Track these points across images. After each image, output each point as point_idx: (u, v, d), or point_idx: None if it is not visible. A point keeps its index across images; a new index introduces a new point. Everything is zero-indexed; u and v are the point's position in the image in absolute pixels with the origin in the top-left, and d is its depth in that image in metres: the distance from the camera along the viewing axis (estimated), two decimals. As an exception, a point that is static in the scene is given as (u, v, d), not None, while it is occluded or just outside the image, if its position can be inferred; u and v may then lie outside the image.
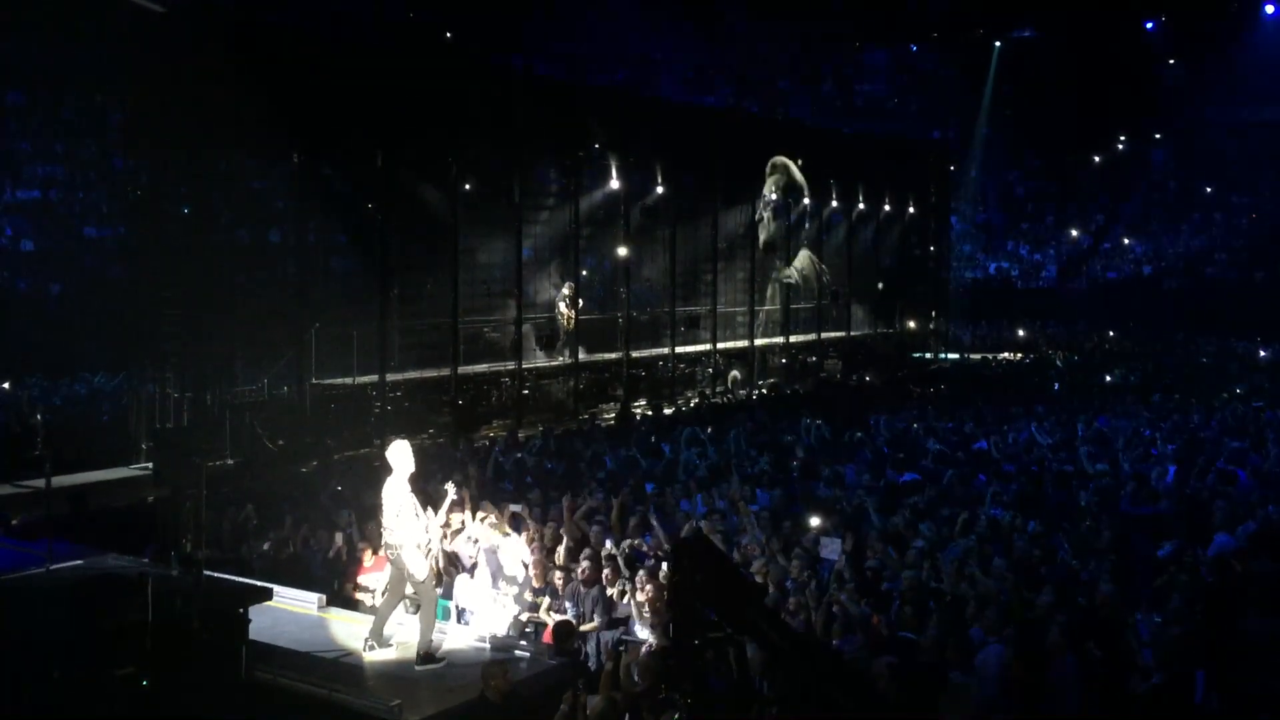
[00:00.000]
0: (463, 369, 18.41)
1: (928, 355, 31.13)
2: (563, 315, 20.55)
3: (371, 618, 8.42)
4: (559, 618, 8.87)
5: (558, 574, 9.58)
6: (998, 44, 45.82)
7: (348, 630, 8.55)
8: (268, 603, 8.08)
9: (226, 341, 15.42)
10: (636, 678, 7.39)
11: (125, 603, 6.66)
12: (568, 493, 11.82)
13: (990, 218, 48.33)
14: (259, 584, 8.48)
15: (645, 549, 9.96)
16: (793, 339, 26.22)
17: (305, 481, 13.44)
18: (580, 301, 20.72)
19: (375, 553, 9.62)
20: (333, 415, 16.44)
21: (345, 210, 18.73)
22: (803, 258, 26.03)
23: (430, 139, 18.11)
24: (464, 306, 18.56)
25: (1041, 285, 43.41)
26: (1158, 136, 47.51)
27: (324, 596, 9.17)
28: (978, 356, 30.68)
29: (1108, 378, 23.90)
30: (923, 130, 43.24)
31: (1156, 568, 9.10)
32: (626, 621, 8.86)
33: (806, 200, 25.77)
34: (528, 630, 9.28)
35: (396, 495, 8.14)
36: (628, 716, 7.11)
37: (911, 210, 31.71)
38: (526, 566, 9.76)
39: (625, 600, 9.00)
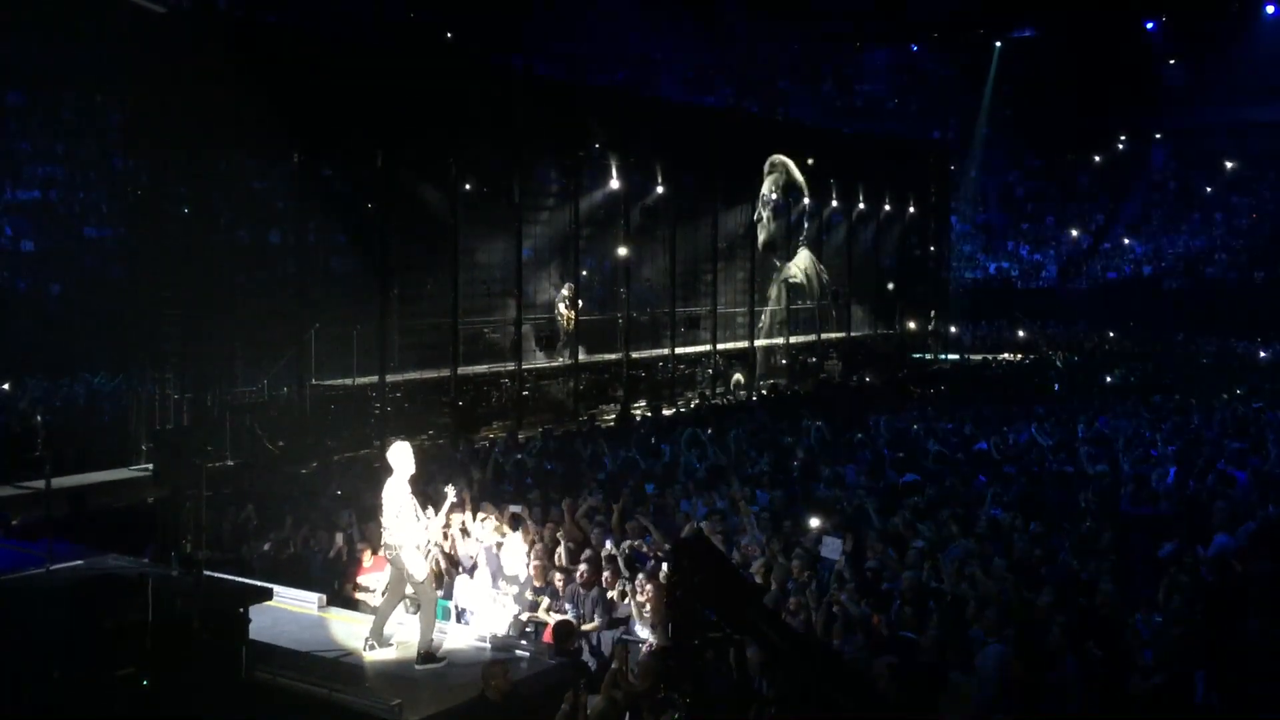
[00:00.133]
0: (463, 370, 18.41)
1: (928, 356, 31.12)
2: (562, 316, 20.55)
3: (371, 618, 8.42)
4: (559, 617, 8.87)
5: (558, 574, 9.58)
6: (998, 44, 45.83)
7: (348, 630, 8.55)
8: (268, 603, 8.09)
9: (226, 342, 15.41)
10: (636, 678, 7.39)
11: (125, 603, 6.67)
12: (568, 494, 11.83)
13: (990, 218, 48.33)
14: (259, 584, 8.49)
15: (645, 550, 9.97)
16: (793, 339, 26.20)
17: (305, 482, 13.45)
18: (580, 302, 20.72)
19: (375, 553, 9.62)
20: (333, 416, 16.44)
21: (345, 210, 18.73)
22: (803, 257, 26.01)
23: (430, 139, 18.11)
24: (464, 307, 18.56)
25: (1041, 285, 43.41)
26: (1158, 136, 47.52)
27: (324, 596, 9.18)
28: (978, 357, 30.67)
29: (1108, 378, 23.90)
30: (923, 130, 43.26)
31: (1156, 568, 9.09)
32: (626, 621, 8.87)
33: (806, 200, 25.75)
34: (528, 630, 9.29)
35: (396, 496, 8.14)
36: (628, 716, 7.11)
37: (912, 210, 31.71)
38: (526, 566, 9.77)
39: (625, 601, 9.00)
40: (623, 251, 21.65)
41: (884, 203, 30.02)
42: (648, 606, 8.48)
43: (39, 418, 8.67)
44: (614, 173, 21.12)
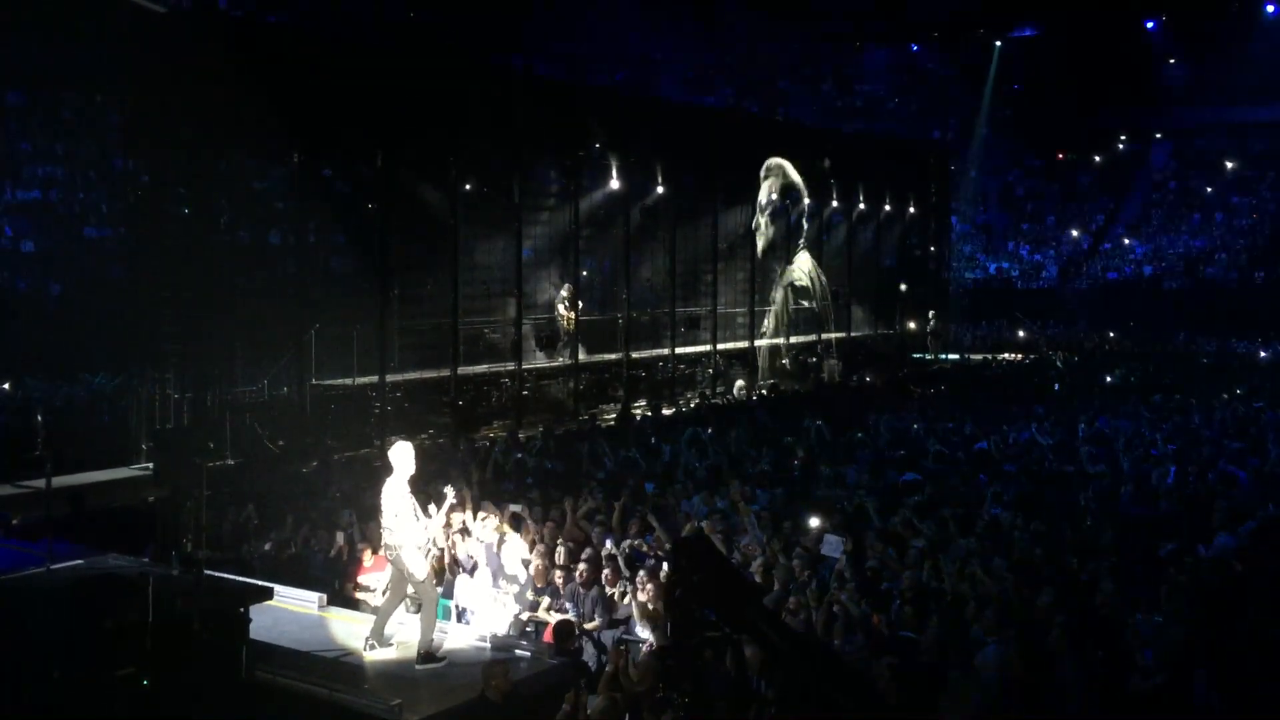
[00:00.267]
0: (463, 369, 18.41)
1: (928, 356, 31.12)
2: (562, 316, 20.55)
3: (372, 617, 8.42)
4: (559, 617, 8.88)
5: (558, 574, 9.59)
6: (998, 44, 45.85)
7: (348, 630, 8.55)
8: (268, 602, 8.09)
9: (226, 342, 15.41)
10: (637, 678, 7.40)
11: (126, 603, 6.67)
12: (568, 493, 11.84)
13: (990, 218, 48.34)
14: (259, 584, 8.49)
15: (645, 549, 9.97)
16: (794, 339, 26.18)
17: (305, 482, 13.44)
18: (580, 302, 20.72)
19: (376, 553, 9.62)
20: (333, 415, 16.44)
21: (345, 210, 18.72)
22: (805, 259, 25.97)
23: (430, 139, 18.10)
24: (464, 307, 18.56)
25: (1042, 286, 43.42)
26: (1158, 136, 47.53)
27: (324, 596, 9.17)
28: (978, 357, 30.67)
29: (1108, 378, 23.90)
30: (923, 130, 43.29)
31: (1157, 568, 9.09)
32: (626, 621, 8.87)
33: (806, 200, 25.72)
34: (528, 630, 9.29)
35: (396, 496, 8.14)
36: (628, 717, 7.11)
37: (912, 210, 31.71)
38: (527, 566, 9.77)
39: (625, 600, 9.00)
40: (623, 252, 21.65)
41: (884, 203, 30.01)
42: (648, 606, 8.49)
43: (39, 417, 8.65)
44: (614, 173, 21.11)
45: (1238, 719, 6.81)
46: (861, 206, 29.11)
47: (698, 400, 22.08)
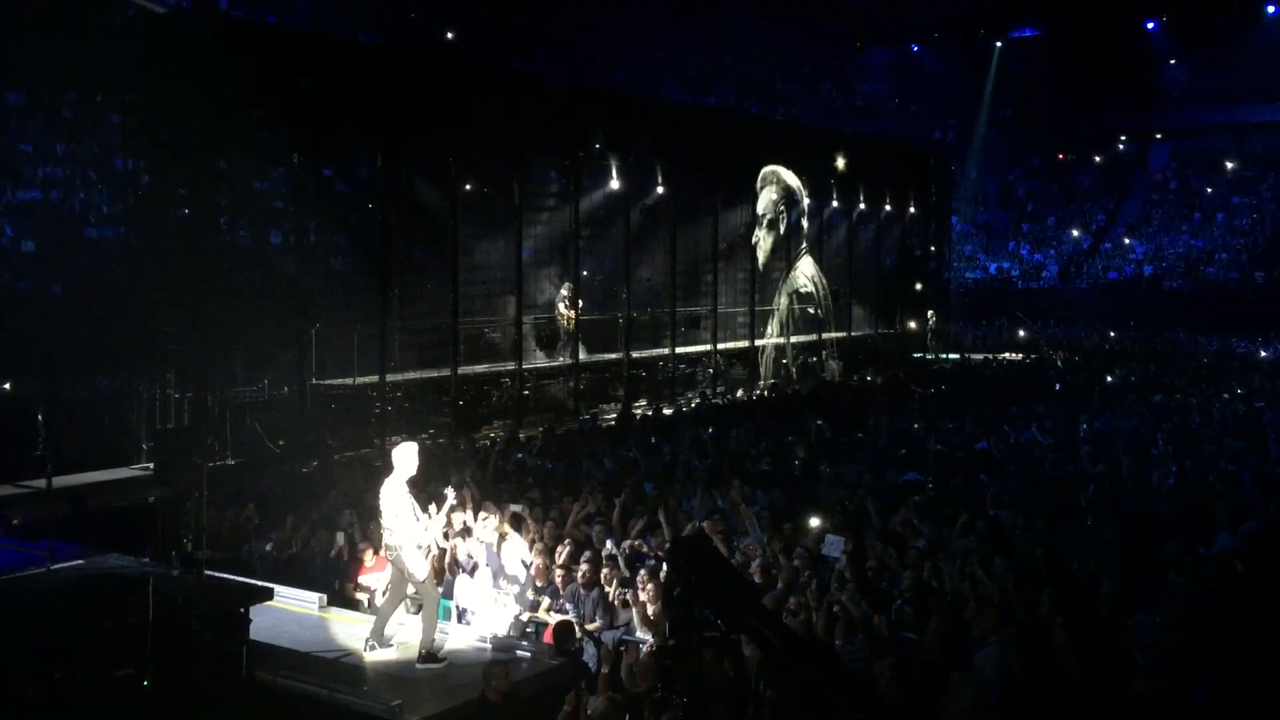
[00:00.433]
0: (463, 369, 18.41)
1: (928, 355, 31.11)
2: (563, 316, 20.55)
3: (372, 618, 8.42)
4: (560, 617, 8.87)
5: (558, 574, 9.58)
6: (998, 44, 45.85)
7: (348, 630, 8.55)
8: (268, 603, 8.08)
9: (227, 341, 15.42)
10: (637, 678, 7.40)
11: (126, 603, 6.66)
12: (569, 493, 11.83)
13: (991, 218, 48.36)
14: (260, 584, 8.48)
15: (646, 549, 9.96)
16: (796, 340, 26.15)
17: (306, 482, 13.44)
18: (580, 302, 20.72)
19: (377, 553, 9.62)
20: (333, 415, 16.45)
21: (346, 210, 18.73)
22: (808, 264, 25.89)
23: (430, 139, 18.11)
24: (464, 307, 18.57)
25: (1042, 285, 43.43)
26: (1158, 136, 47.54)
27: (325, 596, 9.17)
28: (979, 357, 30.68)
29: (1108, 378, 23.90)
30: (923, 130, 43.30)
31: (1158, 568, 9.09)
32: (627, 622, 8.86)
33: (805, 201, 25.68)
34: (528, 630, 9.28)
35: (395, 496, 8.14)
36: (628, 717, 7.11)
37: (912, 210, 31.71)
38: (527, 566, 9.76)
39: (626, 600, 9.00)
40: (623, 252, 21.65)
41: (884, 203, 30.01)
42: (648, 606, 8.48)
43: (39, 417, 8.65)
44: (614, 173, 21.11)
45: None
46: (862, 206, 29.10)
47: (698, 400, 22.08)
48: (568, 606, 9.20)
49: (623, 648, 8.52)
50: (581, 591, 9.24)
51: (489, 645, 8.25)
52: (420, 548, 8.13)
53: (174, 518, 8.26)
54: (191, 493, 8.20)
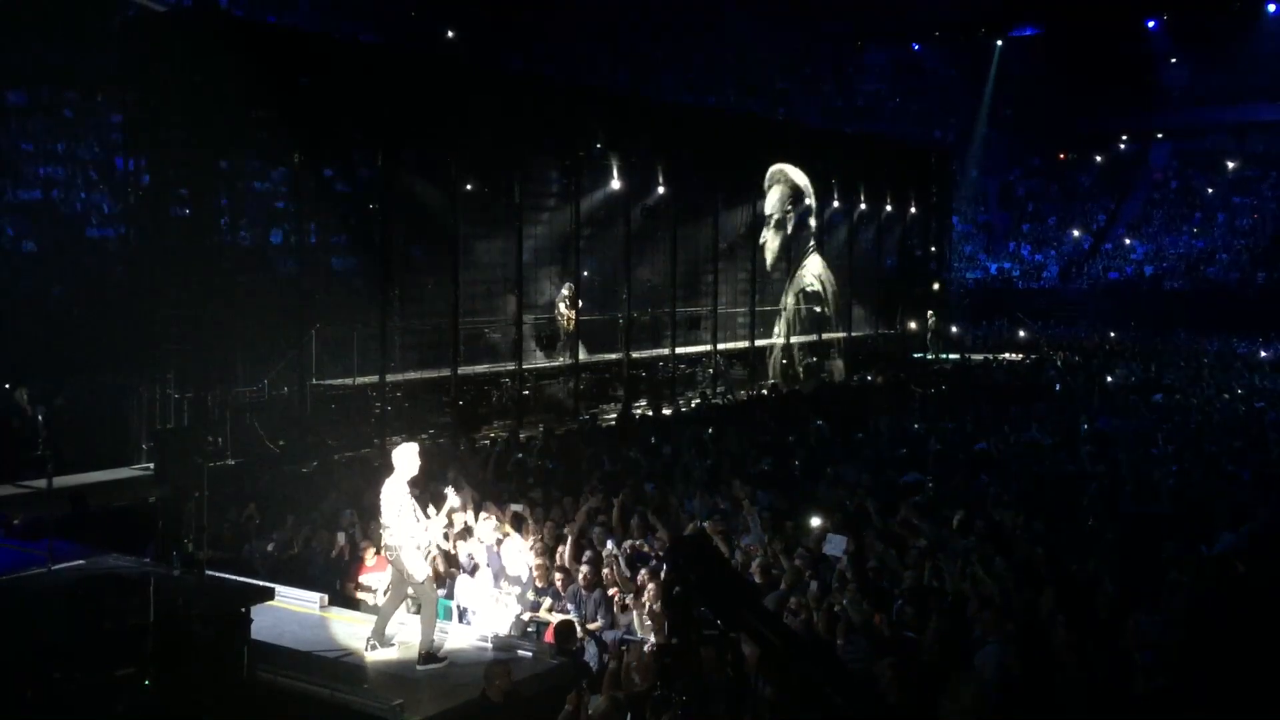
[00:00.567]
0: (463, 369, 18.41)
1: (928, 356, 31.12)
2: (563, 316, 20.55)
3: (373, 618, 8.43)
4: (560, 617, 8.87)
5: (559, 574, 9.59)
6: (999, 43, 45.85)
7: (349, 630, 8.55)
8: (269, 602, 8.09)
9: (227, 341, 15.42)
10: (637, 678, 7.40)
11: (127, 603, 6.67)
12: (569, 493, 11.84)
13: (991, 218, 48.36)
14: (261, 584, 8.49)
15: (647, 549, 9.97)
16: (794, 339, 26.14)
17: (306, 482, 13.45)
18: (580, 302, 20.72)
19: (378, 552, 9.62)
20: (333, 415, 16.45)
21: (346, 210, 18.73)
22: (816, 263, 25.81)
23: (430, 139, 18.11)
24: (464, 307, 18.56)
25: (1043, 285, 43.43)
26: (1159, 136, 47.54)
27: (325, 596, 9.18)
28: (979, 357, 30.70)
29: (1109, 378, 23.91)
30: (923, 130, 43.29)
31: (1158, 568, 9.09)
32: (628, 623, 8.87)
33: (811, 201, 25.62)
34: (529, 630, 9.28)
35: (395, 496, 8.14)
36: (629, 717, 7.11)
37: (913, 210, 31.70)
38: (529, 566, 9.77)
39: (627, 601, 9.00)
40: (623, 252, 21.66)
41: (885, 203, 30.00)
42: (649, 606, 8.49)
43: (40, 417, 8.66)
44: (614, 173, 21.11)
45: None
46: (862, 206, 29.09)
47: (699, 400, 22.08)
48: (569, 606, 9.21)
49: (624, 647, 8.52)
50: (583, 591, 9.25)
51: (490, 645, 8.26)
52: (420, 548, 8.14)
53: (174, 518, 8.26)
54: (192, 493, 8.20)
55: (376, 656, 8.06)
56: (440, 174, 18.52)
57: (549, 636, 8.67)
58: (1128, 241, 44.31)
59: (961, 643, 7.49)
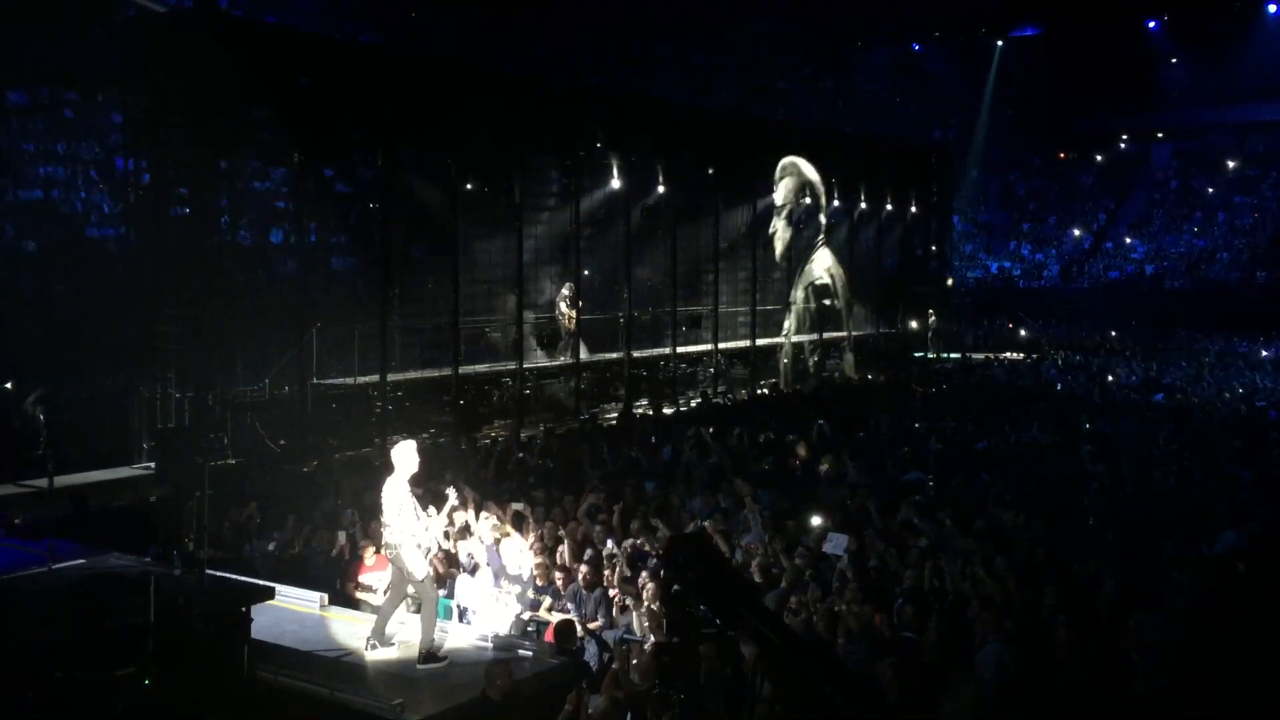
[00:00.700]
0: (464, 369, 18.42)
1: (929, 355, 31.12)
2: (564, 315, 20.55)
3: (373, 617, 8.43)
4: (561, 616, 8.87)
5: (559, 573, 9.59)
6: (999, 43, 45.84)
7: (350, 629, 8.56)
8: (270, 602, 8.09)
9: (228, 341, 15.43)
10: (638, 677, 7.39)
11: (128, 602, 6.67)
12: (570, 492, 11.84)
13: (992, 217, 48.35)
14: (261, 583, 8.49)
15: (648, 548, 9.97)
16: (803, 338, 26.07)
17: (307, 481, 13.46)
18: (581, 302, 20.72)
19: (378, 551, 9.63)
20: (334, 415, 16.45)
21: (346, 210, 18.73)
22: (826, 257, 25.71)
23: (430, 139, 18.12)
24: (465, 306, 18.56)
25: (1044, 285, 43.41)
26: (1159, 136, 47.54)
27: (326, 596, 9.18)
28: (980, 356, 30.71)
29: (1109, 377, 23.91)
30: (923, 130, 43.26)
31: (1159, 568, 9.09)
32: (628, 622, 8.87)
33: (821, 194, 25.53)
34: (529, 629, 9.29)
35: (396, 495, 8.15)
36: (630, 716, 7.11)
37: (913, 210, 31.69)
38: (530, 566, 9.77)
39: (627, 600, 9.01)
40: (624, 251, 21.66)
41: (885, 202, 29.99)
42: (649, 605, 8.48)
43: (41, 416, 8.67)
44: (614, 173, 21.12)
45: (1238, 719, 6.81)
46: (863, 206, 29.09)
47: (699, 400, 22.08)
48: (569, 605, 9.21)
49: (624, 646, 8.52)
50: (583, 591, 9.25)
51: (490, 644, 8.26)
52: (420, 547, 8.14)
53: (175, 517, 8.27)
54: (193, 492, 8.21)
55: (377, 656, 8.06)
56: (440, 174, 18.51)
57: (549, 636, 8.68)
58: (1128, 241, 44.30)
59: (962, 643, 7.49)
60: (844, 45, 46.56)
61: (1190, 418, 17.39)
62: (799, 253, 25.78)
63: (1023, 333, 35.81)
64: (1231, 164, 44.72)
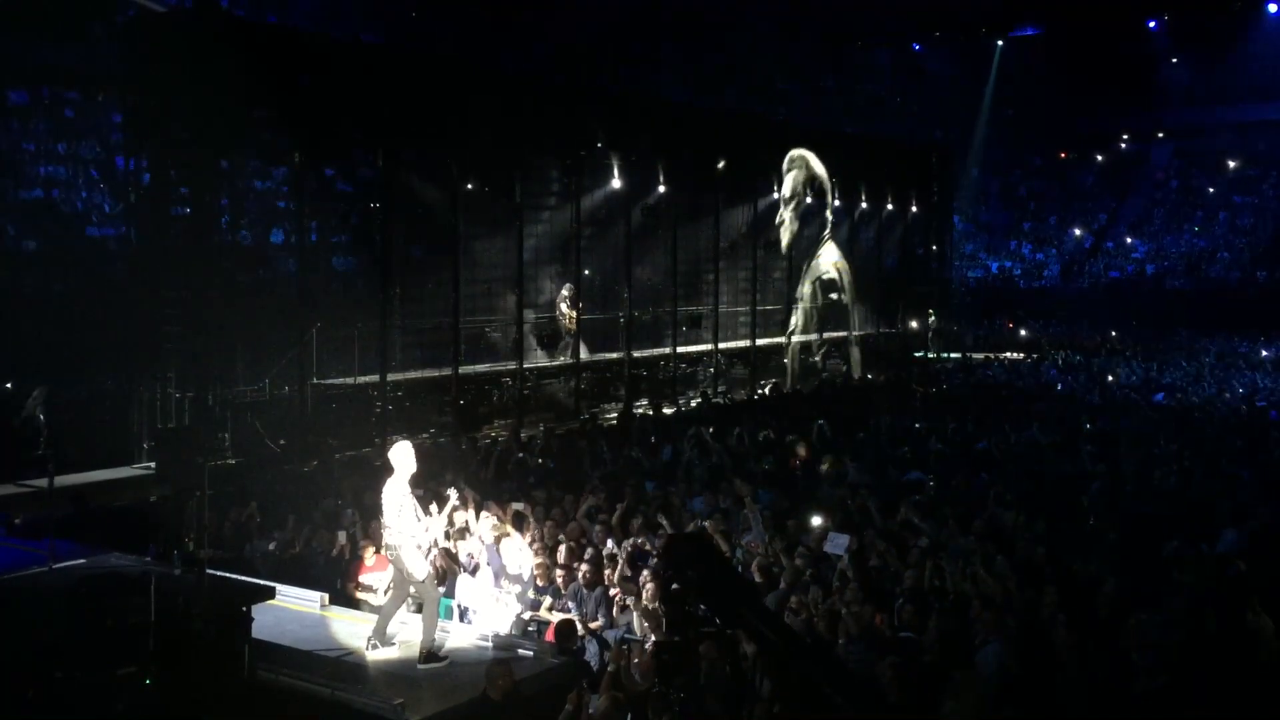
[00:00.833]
0: (464, 369, 18.42)
1: (929, 355, 31.12)
2: (564, 315, 20.55)
3: (374, 617, 8.43)
4: (561, 616, 8.88)
5: (560, 573, 9.59)
6: (999, 43, 45.83)
7: (350, 629, 8.56)
8: (270, 602, 8.10)
9: (228, 341, 15.43)
10: (638, 677, 7.40)
11: (128, 602, 6.68)
12: (570, 492, 11.84)
13: (992, 217, 48.34)
14: (262, 583, 8.50)
15: (648, 548, 9.97)
16: (805, 337, 26.05)
17: (307, 481, 13.46)
18: (581, 302, 20.72)
19: (379, 551, 9.63)
20: (334, 415, 16.44)
21: (346, 210, 18.73)
22: (832, 251, 25.64)
23: (431, 139, 18.11)
24: (465, 306, 18.56)
25: (1044, 285, 43.40)
26: (1160, 136, 47.53)
27: (326, 596, 9.18)
28: (980, 356, 30.70)
29: (1110, 377, 23.91)
30: (923, 130, 43.23)
31: (1159, 568, 9.09)
32: (629, 621, 8.87)
33: (828, 188, 25.48)
34: (530, 629, 9.29)
35: (396, 495, 8.15)
36: (630, 716, 7.11)
37: (914, 210, 31.68)
38: (530, 565, 9.77)
39: (627, 600, 9.00)
40: (624, 251, 21.66)
41: (886, 202, 29.98)
42: (649, 605, 8.48)
43: (41, 416, 8.68)
44: (615, 172, 21.11)
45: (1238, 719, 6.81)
46: (863, 206, 29.08)
47: (699, 400, 22.07)
48: (570, 605, 9.21)
49: (625, 646, 8.52)
50: (584, 590, 9.25)
51: (491, 644, 8.27)
52: (420, 547, 8.15)
53: (176, 517, 8.28)
54: (193, 492, 8.22)
55: (377, 655, 8.07)
56: (440, 174, 18.50)
57: (550, 635, 8.68)
58: (1129, 240, 44.30)
59: (962, 642, 7.49)
60: (844, 45, 46.54)
61: (1191, 418, 17.39)
62: (804, 248, 25.72)
63: (1023, 332, 35.80)
64: (1232, 164, 44.71)
